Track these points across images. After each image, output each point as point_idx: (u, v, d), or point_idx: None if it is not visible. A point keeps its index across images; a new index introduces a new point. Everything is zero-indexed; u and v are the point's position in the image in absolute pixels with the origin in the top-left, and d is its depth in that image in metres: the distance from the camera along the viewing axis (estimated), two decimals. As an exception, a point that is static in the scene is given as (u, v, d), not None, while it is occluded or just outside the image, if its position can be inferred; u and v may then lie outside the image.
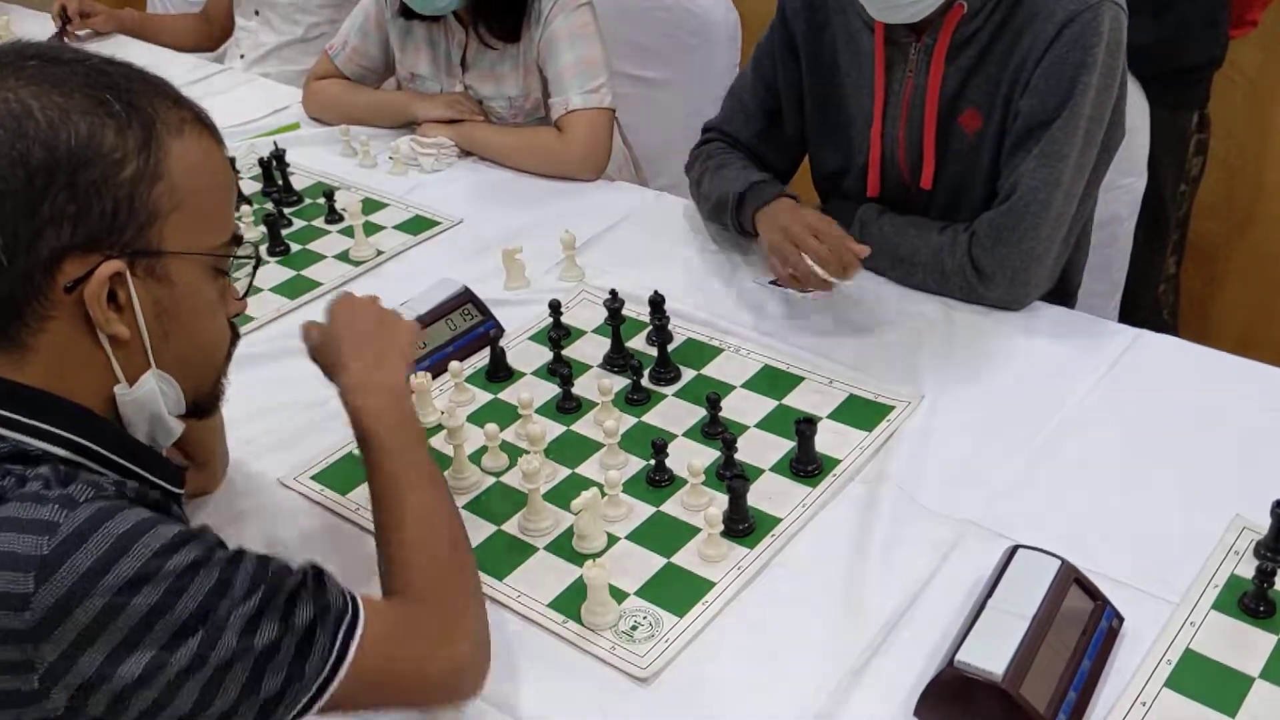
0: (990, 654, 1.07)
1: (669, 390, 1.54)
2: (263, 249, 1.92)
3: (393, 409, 1.20)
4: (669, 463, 1.39)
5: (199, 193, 0.99)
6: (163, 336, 1.00)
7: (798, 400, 1.52)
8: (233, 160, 1.09)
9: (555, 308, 1.65)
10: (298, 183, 2.15)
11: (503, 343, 1.62)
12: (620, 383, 1.54)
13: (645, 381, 1.54)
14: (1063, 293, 1.81)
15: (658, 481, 1.39)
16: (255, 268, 1.12)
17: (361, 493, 1.40)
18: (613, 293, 1.61)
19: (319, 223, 2.02)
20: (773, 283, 1.76)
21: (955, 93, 1.67)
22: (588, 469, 1.42)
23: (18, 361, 0.96)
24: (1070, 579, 1.16)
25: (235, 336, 1.12)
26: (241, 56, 2.87)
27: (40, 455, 0.95)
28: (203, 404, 1.11)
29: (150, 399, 1.01)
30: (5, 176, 0.90)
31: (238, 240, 1.06)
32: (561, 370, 1.54)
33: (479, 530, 1.34)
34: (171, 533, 0.91)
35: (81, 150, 0.92)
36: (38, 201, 0.91)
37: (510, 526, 1.35)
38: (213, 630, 0.90)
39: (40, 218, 0.91)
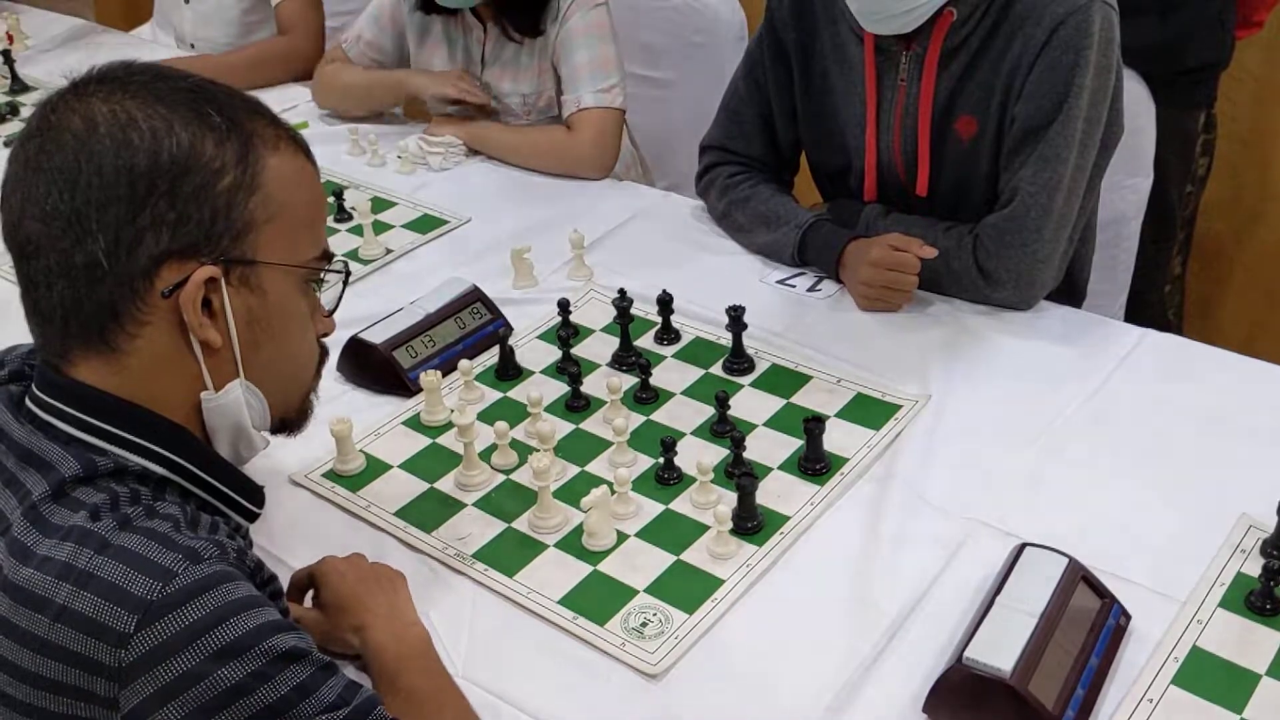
0: (998, 651, 1.07)
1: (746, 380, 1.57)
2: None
3: (423, 653, 1.15)
4: (678, 461, 1.39)
5: (293, 206, 1.01)
6: (253, 346, 1.02)
7: (806, 399, 1.52)
8: None
9: (564, 307, 1.66)
10: (306, 181, 2.15)
11: (511, 341, 1.62)
12: (629, 381, 1.54)
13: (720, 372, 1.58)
14: (1071, 288, 1.82)
15: (667, 479, 1.39)
16: (345, 283, 1.13)
17: (372, 490, 1.42)
18: (621, 292, 1.61)
19: (328, 221, 2.02)
20: (781, 282, 1.77)
21: (949, 99, 1.67)
22: (597, 467, 1.43)
23: (113, 365, 0.98)
24: (1078, 577, 1.16)
25: (324, 355, 1.14)
26: (192, 46, 2.79)
27: (140, 472, 0.97)
28: (290, 421, 1.13)
29: (235, 407, 1.03)
30: (110, 184, 0.93)
31: (329, 257, 1.08)
32: (570, 369, 1.54)
33: (489, 527, 1.35)
34: (277, 617, 0.92)
35: (182, 159, 0.94)
36: (139, 208, 0.93)
37: (520, 524, 1.35)
38: None
39: (141, 223, 0.94)
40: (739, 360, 1.58)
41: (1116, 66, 1.63)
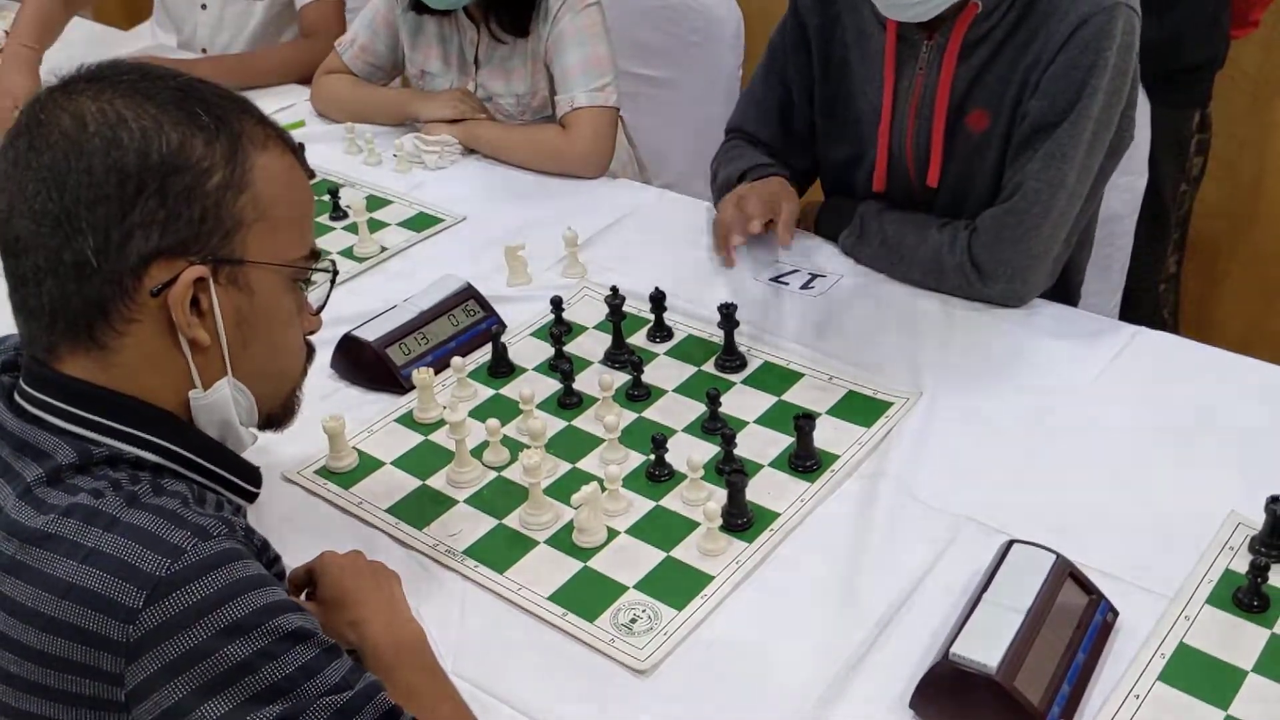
0: (985, 647, 1.07)
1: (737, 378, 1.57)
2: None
3: (419, 649, 1.15)
4: (669, 458, 1.40)
5: (281, 205, 1.01)
6: (241, 345, 1.02)
7: (797, 396, 1.53)
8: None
9: (557, 304, 1.66)
10: (302, 180, 2.15)
11: (504, 339, 1.63)
12: (621, 378, 1.55)
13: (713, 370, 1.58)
14: (1064, 293, 1.82)
15: (657, 476, 1.40)
16: (333, 282, 1.13)
17: (364, 487, 1.42)
18: (614, 289, 1.62)
19: (324, 219, 2.03)
20: (774, 279, 1.77)
21: (965, 92, 1.66)
22: (588, 464, 1.43)
23: (101, 363, 0.98)
24: (1065, 573, 1.17)
25: (310, 352, 1.15)
26: (204, 50, 2.78)
27: (134, 460, 0.98)
28: (276, 417, 1.13)
29: (223, 405, 1.03)
30: (100, 182, 0.93)
31: (316, 256, 1.08)
32: (563, 366, 1.55)
33: (480, 524, 1.36)
34: (284, 597, 0.93)
35: (172, 158, 0.95)
36: (129, 207, 0.94)
37: (511, 520, 1.36)
38: (295, 706, 0.89)
39: (130, 222, 0.94)
40: (731, 358, 1.58)
41: (1133, 74, 1.63)
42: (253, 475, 1.10)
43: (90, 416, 0.97)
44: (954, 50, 1.64)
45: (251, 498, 1.11)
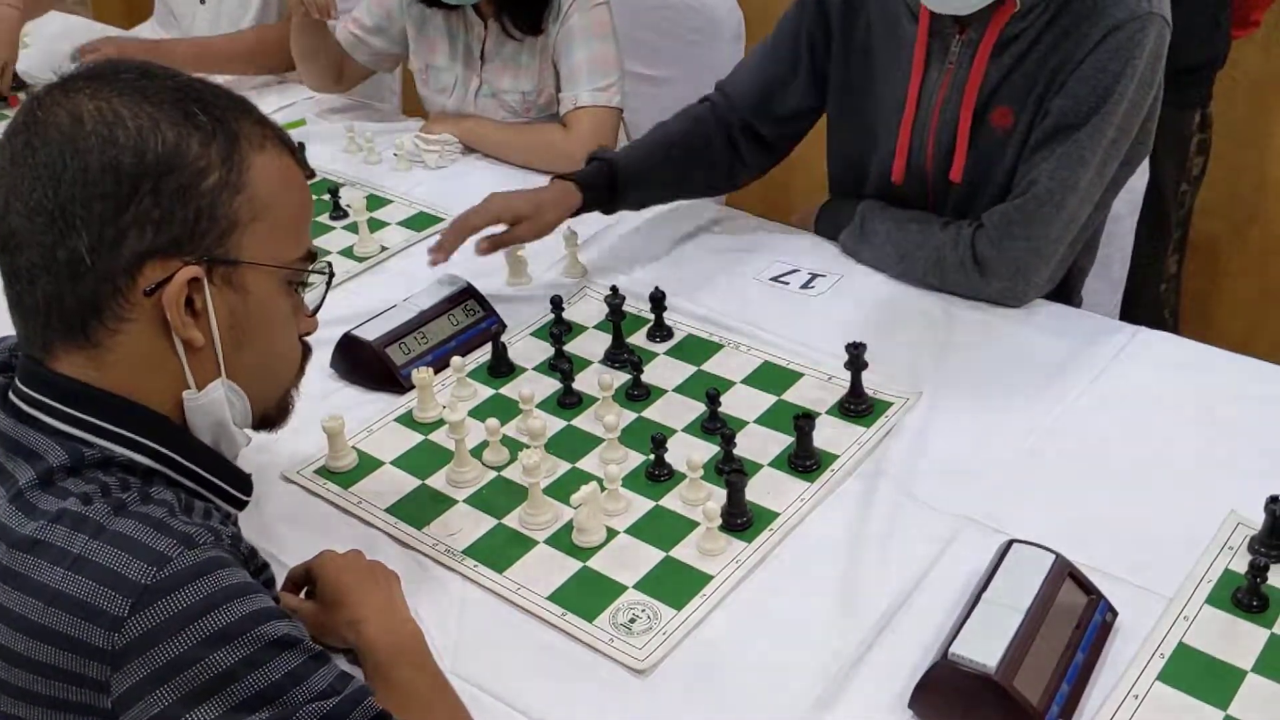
0: (984, 647, 1.07)
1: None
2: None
3: (417, 649, 1.15)
4: (668, 458, 1.40)
5: (277, 206, 1.01)
6: (235, 346, 1.02)
7: (797, 396, 1.53)
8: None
9: (557, 304, 1.66)
10: (302, 179, 2.15)
11: (504, 338, 1.63)
12: (621, 378, 1.55)
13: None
14: (1064, 293, 1.81)
15: (657, 476, 1.40)
16: (329, 283, 1.13)
17: (364, 487, 1.42)
18: (614, 289, 1.62)
19: (323, 219, 2.03)
20: (774, 279, 1.77)
21: (993, 89, 1.65)
22: (588, 464, 1.43)
23: (94, 361, 0.98)
24: (1065, 573, 1.17)
25: (306, 353, 1.14)
26: None
27: (126, 463, 0.98)
28: (271, 417, 1.13)
29: (217, 406, 1.03)
30: (95, 180, 0.93)
31: (313, 257, 1.08)
32: (563, 366, 1.55)
33: (480, 524, 1.36)
34: (270, 604, 0.93)
35: (168, 158, 0.95)
36: (124, 205, 0.94)
37: (511, 520, 1.36)
38: (282, 713, 0.89)
39: (125, 221, 0.94)
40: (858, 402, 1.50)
41: (1157, 85, 1.62)
42: (244, 483, 1.10)
43: (83, 416, 0.97)
44: (988, 47, 1.63)
45: (241, 505, 1.10)
